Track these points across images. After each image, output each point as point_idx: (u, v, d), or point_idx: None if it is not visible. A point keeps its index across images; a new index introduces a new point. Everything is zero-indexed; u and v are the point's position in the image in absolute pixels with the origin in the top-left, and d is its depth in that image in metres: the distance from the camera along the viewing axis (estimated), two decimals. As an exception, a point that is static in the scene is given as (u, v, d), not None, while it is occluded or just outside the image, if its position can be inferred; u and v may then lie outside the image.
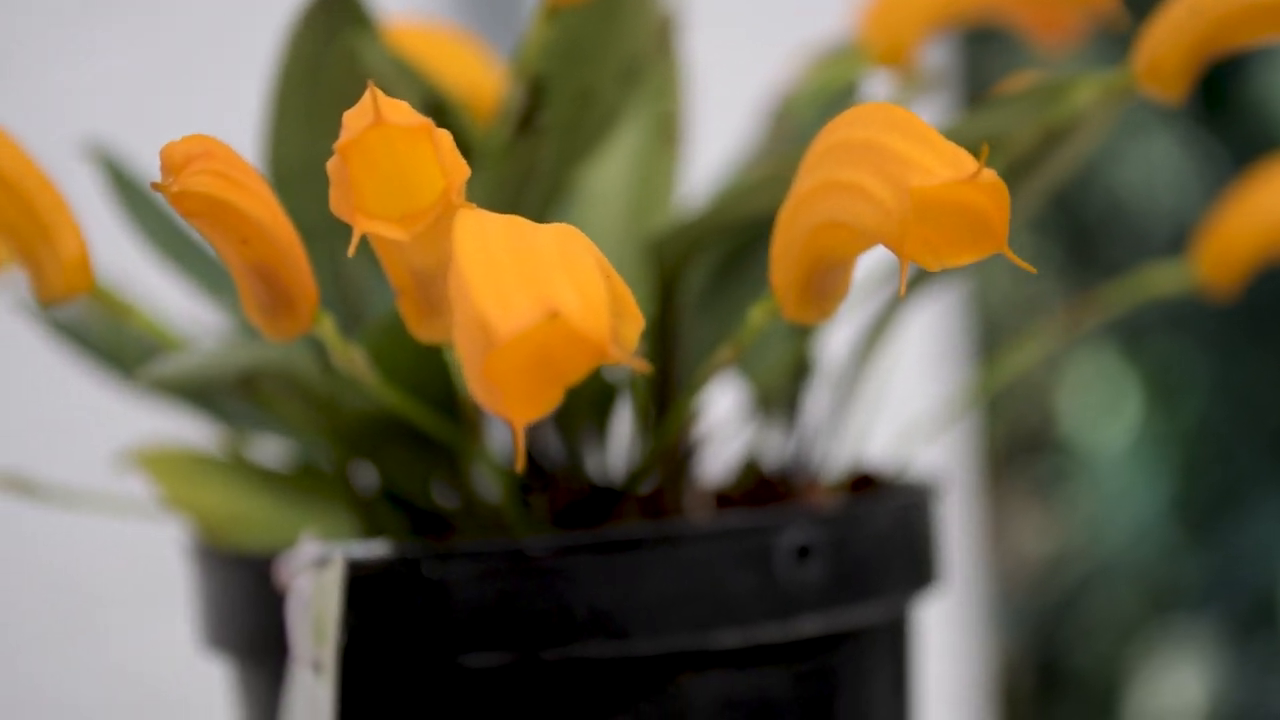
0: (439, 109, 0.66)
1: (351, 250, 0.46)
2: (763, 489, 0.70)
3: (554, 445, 0.70)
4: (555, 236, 0.45)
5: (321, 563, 0.59)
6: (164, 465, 0.68)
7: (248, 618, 0.65)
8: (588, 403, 0.68)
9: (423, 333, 0.53)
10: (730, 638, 0.60)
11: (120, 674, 1.08)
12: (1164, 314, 1.55)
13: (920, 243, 0.48)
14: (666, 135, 0.69)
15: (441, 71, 0.69)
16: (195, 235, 0.71)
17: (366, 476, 0.71)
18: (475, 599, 0.59)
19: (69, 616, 1.06)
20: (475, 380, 0.43)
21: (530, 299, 0.42)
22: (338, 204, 0.47)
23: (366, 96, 0.47)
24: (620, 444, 0.71)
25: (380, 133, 0.46)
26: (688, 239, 0.63)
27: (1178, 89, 0.60)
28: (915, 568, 0.65)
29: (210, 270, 0.70)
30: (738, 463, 0.71)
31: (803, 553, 0.61)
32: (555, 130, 0.63)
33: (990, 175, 0.46)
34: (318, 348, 0.65)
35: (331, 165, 0.47)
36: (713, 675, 0.61)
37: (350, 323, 0.70)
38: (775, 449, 0.72)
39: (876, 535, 0.63)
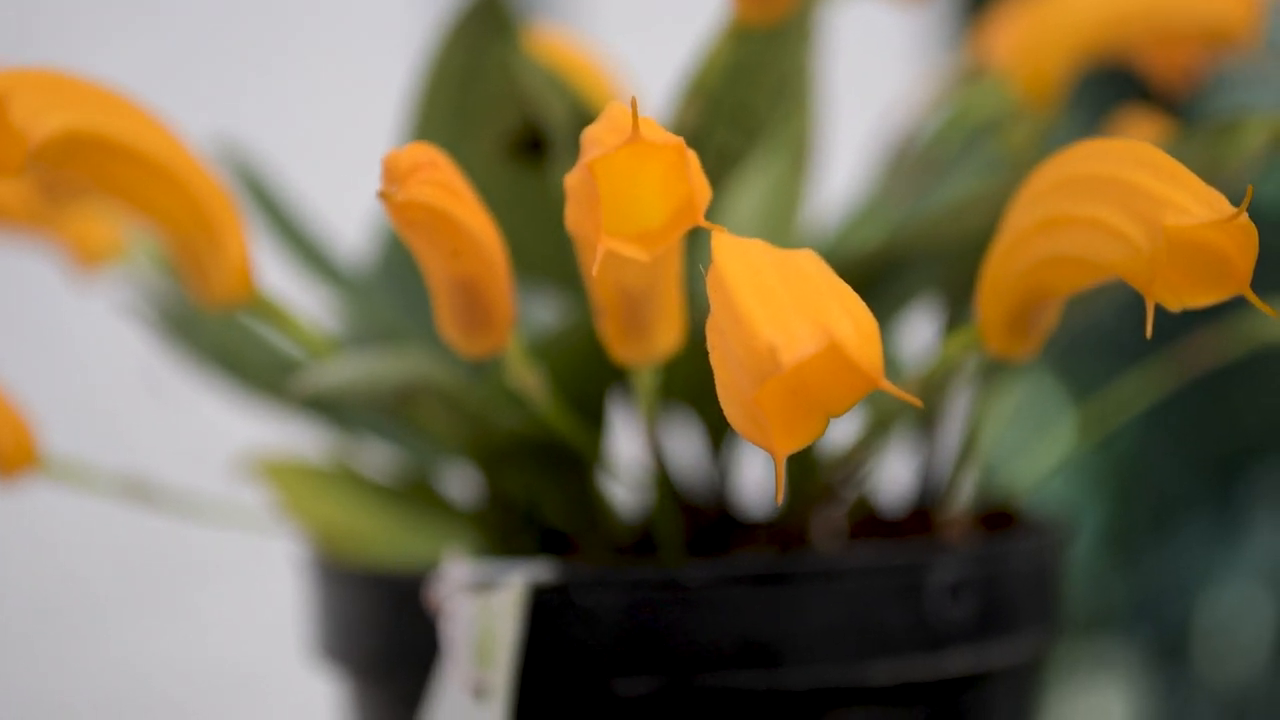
0: (587, 123, 0.65)
1: (595, 270, 0.44)
2: (894, 520, 0.69)
3: (672, 465, 0.69)
4: (815, 261, 0.44)
5: (482, 584, 0.57)
6: (285, 475, 0.67)
7: (369, 633, 0.63)
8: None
9: (624, 353, 0.52)
10: (881, 674, 0.59)
11: (116, 675, 1.07)
12: (1098, 338, 1.55)
13: (1164, 282, 0.47)
14: (800, 158, 0.68)
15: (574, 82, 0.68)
16: (324, 239, 0.70)
17: (480, 492, 0.69)
18: (628, 626, 0.58)
19: (63, 616, 1.04)
20: (741, 409, 0.42)
21: (810, 326, 0.41)
22: (579, 221, 0.46)
23: (617, 111, 0.45)
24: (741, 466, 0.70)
25: (634, 149, 0.45)
26: (859, 268, 0.62)
27: None
28: (1051, 608, 0.64)
29: (339, 274, 0.68)
30: (858, 490, 0.70)
31: (954, 590, 0.60)
32: (715, 149, 0.62)
33: (1244, 218, 0.45)
34: (472, 364, 0.64)
35: (575, 181, 0.46)
36: (860, 711, 0.60)
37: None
38: (897, 477, 0.71)
39: (1021, 574, 0.62)
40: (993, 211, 0.58)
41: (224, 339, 0.69)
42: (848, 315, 0.42)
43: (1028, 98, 0.69)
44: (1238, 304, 0.49)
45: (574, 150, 0.65)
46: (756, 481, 0.73)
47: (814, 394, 0.42)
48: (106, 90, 0.55)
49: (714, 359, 0.44)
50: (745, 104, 0.62)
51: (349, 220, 0.81)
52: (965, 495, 0.70)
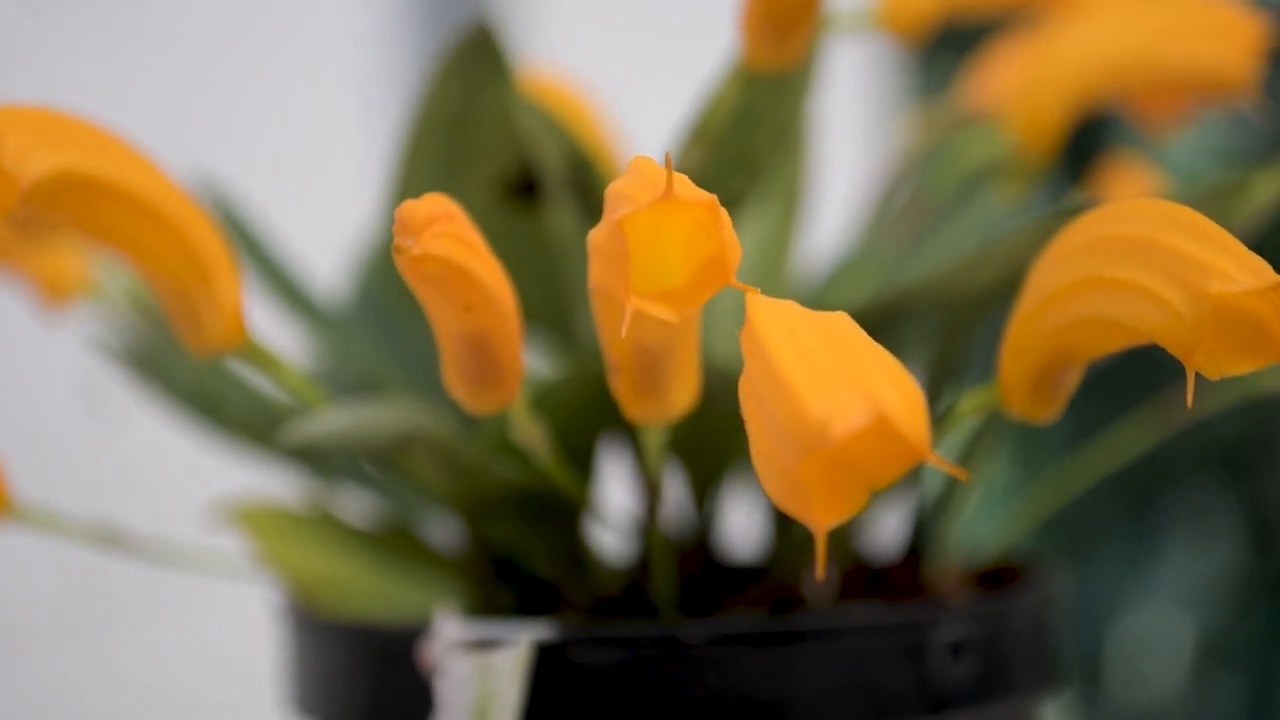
0: (582, 166, 0.63)
1: (624, 331, 0.43)
2: (883, 569, 0.68)
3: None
4: (851, 325, 0.42)
5: (478, 642, 0.55)
6: (261, 522, 0.65)
7: (350, 688, 0.61)
8: (714, 478, 0.66)
9: (637, 412, 0.50)
10: (884, 734, 0.58)
11: (45, 708, 1.04)
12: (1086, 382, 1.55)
13: (1204, 350, 0.46)
14: (794, 203, 0.67)
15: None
16: (301, 276, 0.68)
17: (461, 540, 0.68)
18: (626, 685, 0.56)
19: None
20: (781, 479, 0.41)
21: (858, 398, 0.40)
22: (605, 278, 0.45)
23: (647, 166, 0.44)
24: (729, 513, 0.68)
25: (667, 207, 0.43)
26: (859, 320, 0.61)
27: None
28: (1049, 666, 0.63)
29: (322, 316, 0.67)
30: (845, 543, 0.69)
31: (956, 649, 0.59)
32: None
33: (1287, 286, 0.44)
34: (466, 416, 0.62)
35: (601, 237, 0.44)
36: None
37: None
38: (883, 530, 0.69)
39: (1020, 632, 0.61)
40: (1000, 266, 0.57)
41: (198, 380, 0.68)
42: (894, 386, 0.40)
43: (1024, 143, 0.68)
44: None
45: (568, 194, 0.64)
46: (738, 526, 0.72)
47: (859, 466, 0.41)
48: (98, 129, 0.53)
49: (750, 426, 0.42)
50: (748, 148, 0.61)
51: (315, 253, 0.80)
52: (952, 545, 0.69)
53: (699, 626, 0.57)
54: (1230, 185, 0.59)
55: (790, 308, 0.42)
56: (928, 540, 0.69)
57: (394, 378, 0.68)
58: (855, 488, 0.41)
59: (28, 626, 1.04)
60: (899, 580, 0.68)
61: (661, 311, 0.44)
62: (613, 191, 0.44)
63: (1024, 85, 0.68)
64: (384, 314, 0.70)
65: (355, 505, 0.69)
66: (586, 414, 0.61)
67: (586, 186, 0.64)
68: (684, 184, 0.43)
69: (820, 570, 0.41)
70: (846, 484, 0.41)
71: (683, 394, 0.50)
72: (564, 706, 0.57)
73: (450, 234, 0.46)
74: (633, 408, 0.50)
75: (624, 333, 0.43)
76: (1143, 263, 0.46)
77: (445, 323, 0.49)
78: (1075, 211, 0.54)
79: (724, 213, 0.44)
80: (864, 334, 0.42)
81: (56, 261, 0.71)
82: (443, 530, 0.70)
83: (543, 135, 0.62)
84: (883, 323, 0.63)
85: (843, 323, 0.42)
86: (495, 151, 0.62)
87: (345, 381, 0.70)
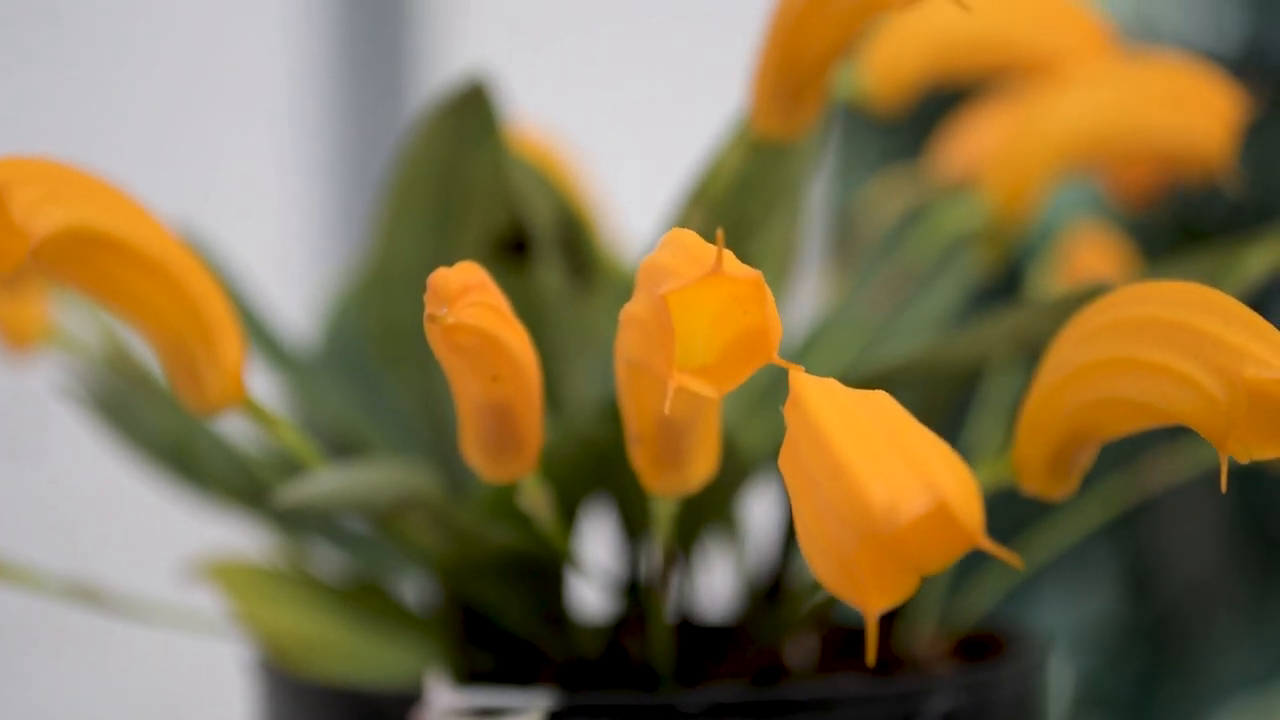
0: (572, 224, 0.63)
1: (668, 409, 0.43)
2: (862, 641, 0.67)
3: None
4: (895, 405, 0.42)
5: (475, 711, 0.55)
6: (236, 579, 0.64)
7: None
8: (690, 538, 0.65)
9: (656, 483, 0.50)
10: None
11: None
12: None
13: (1236, 435, 0.46)
14: (786, 267, 0.67)
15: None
16: (277, 325, 0.67)
17: (437, 598, 0.67)
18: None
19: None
20: (834, 562, 0.40)
21: (920, 484, 0.39)
22: (643, 352, 0.44)
23: (689, 240, 0.43)
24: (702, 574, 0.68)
25: (714, 283, 0.43)
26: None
27: None
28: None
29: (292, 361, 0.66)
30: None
31: (947, 718, 0.59)
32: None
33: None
34: (452, 474, 0.62)
35: (643, 311, 0.44)
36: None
37: (434, 434, 0.66)
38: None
39: (1006, 701, 0.61)
40: (998, 342, 0.57)
41: (169, 431, 0.66)
42: (951, 471, 0.40)
43: (1004, 212, 0.68)
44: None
45: (556, 253, 0.63)
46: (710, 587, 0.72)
47: (914, 552, 0.41)
48: (104, 182, 0.52)
49: (798, 504, 0.42)
50: (745, 213, 0.61)
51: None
52: (927, 611, 0.69)
53: (696, 696, 0.56)
54: (1223, 254, 0.60)
55: (837, 385, 0.42)
56: (903, 606, 0.68)
57: (367, 430, 0.67)
58: (908, 572, 0.41)
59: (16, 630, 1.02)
60: (879, 644, 0.67)
61: (703, 388, 0.43)
62: (654, 265, 0.44)
63: (1003, 153, 0.68)
64: (357, 365, 0.69)
65: (324, 560, 0.69)
66: (578, 477, 0.61)
67: (575, 245, 0.64)
68: (731, 260, 0.43)
69: (871, 656, 0.41)
70: (900, 568, 0.41)
71: (702, 467, 0.50)
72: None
73: (484, 303, 0.46)
74: (652, 479, 0.50)
75: (667, 409, 0.43)
76: (1175, 345, 0.46)
77: (470, 391, 0.48)
78: (1081, 295, 0.54)
79: (768, 289, 0.43)
80: (908, 414, 0.42)
81: (20, 308, 0.70)
82: (414, 587, 0.69)
83: (534, 193, 0.62)
84: (874, 388, 0.63)
85: (888, 402, 0.42)
86: (487, 208, 0.62)
87: (316, 432, 0.69)
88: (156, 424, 0.66)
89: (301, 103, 1.10)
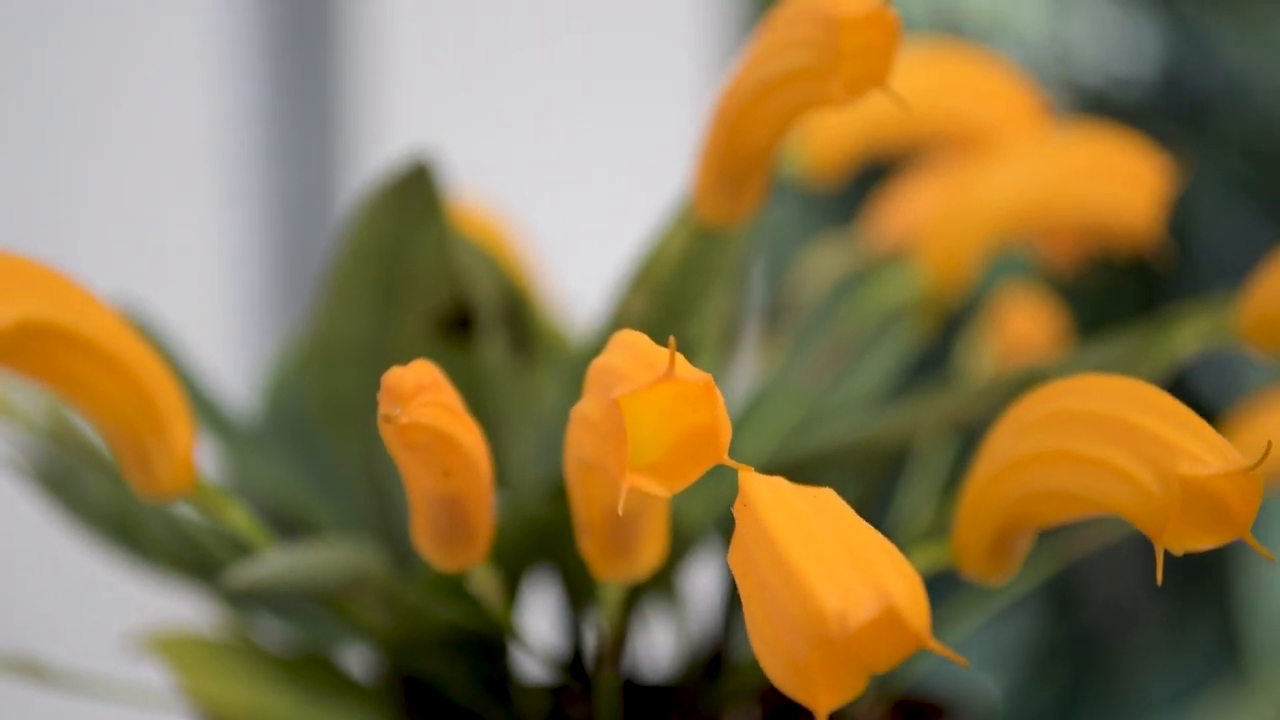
0: (515, 301, 0.64)
1: (620, 509, 0.43)
2: (801, 708, 0.68)
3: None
4: (843, 504, 0.43)
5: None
6: (181, 652, 0.64)
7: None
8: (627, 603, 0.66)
9: (605, 572, 0.51)
10: None
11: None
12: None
13: (1171, 528, 0.47)
14: (727, 343, 0.68)
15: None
16: (219, 395, 0.67)
17: (381, 670, 0.68)
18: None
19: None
20: (785, 665, 0.41)
21: (869, 588, 0.40)
22: (595, 452, 0.45)
23: (640, 342, 0.44)
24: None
25: (667, 388, 0.44)
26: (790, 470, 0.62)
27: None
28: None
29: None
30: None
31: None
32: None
33: (1255, 471, 0.46)
34: (396, 551, 0.62)
35: (595, 412, 0.45)
36: None
37: (378, 505, 0.67)
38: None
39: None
40: (936, 423, 0.58)
41: (113, 504, 0.67)
42: (898, 572, 0.41)
43: (940, 282, 0.69)
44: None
45: (500, 329, 0.64)
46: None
47: (864, 654, 0.42)
48: (52, 271, 0.52)
49: (750, 604, 0.43)
50: (686, 294, 0.62)
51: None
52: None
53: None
54: (1152, 332, 0.61)
55: (785, 485, 0.43)
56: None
57: (310, 502, 0.68)
58: (857, 673, 0.42)
59: None
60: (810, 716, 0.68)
61: (655, 488, 0.44)
62: (605, 368, 0.45)
63: (937, 224, 0.70)
64: (299, 437, 0.70)
65: (269, 631, 0.69)
66: (523, 552, 0.61)
67: (517, 319, 0.65)
68: (683, 364, 0.44)
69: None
70: (849, 669, 0.42)
71: (650, 555, 0.51)
72: None
73: (438, 403, 0.46)
74: (601, 568, 0.51)
75: (620, 509, 0.43)
76: (1113, 441, 0.47)
77: (421, 485, 0.49)
78: (1015, 380, 0.56)
79: (718, 391, 0.44)
80: (853, 512, 0.43)
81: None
82: (359, 658, 0.70)
83: (477, 270, 0.63)
84: (811, 468, 0.64)
85: (834, 500, 0.43)
86: (431, 286, 0.62)
87: (258, 504, 0.70)
88: (101, 497, 0.67)
89: (233, 168, 1.10)
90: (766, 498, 0.43)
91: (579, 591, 0.65)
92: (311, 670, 0.66)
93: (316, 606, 0.67)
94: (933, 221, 0.70)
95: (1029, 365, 0.56)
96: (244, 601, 0.67)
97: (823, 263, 0.74)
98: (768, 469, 0.62)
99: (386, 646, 0.63)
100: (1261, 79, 1.47)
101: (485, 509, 0.50)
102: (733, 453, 0.67)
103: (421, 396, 0.46)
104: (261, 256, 1.11)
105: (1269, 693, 1.69)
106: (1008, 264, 0.87)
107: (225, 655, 0.65)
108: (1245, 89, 1.47)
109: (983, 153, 0.72)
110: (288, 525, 0.67)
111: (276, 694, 0.64)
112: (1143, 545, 1.63)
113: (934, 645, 0.41)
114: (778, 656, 0.42)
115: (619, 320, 0.61)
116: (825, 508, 0.43)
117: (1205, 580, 1.79)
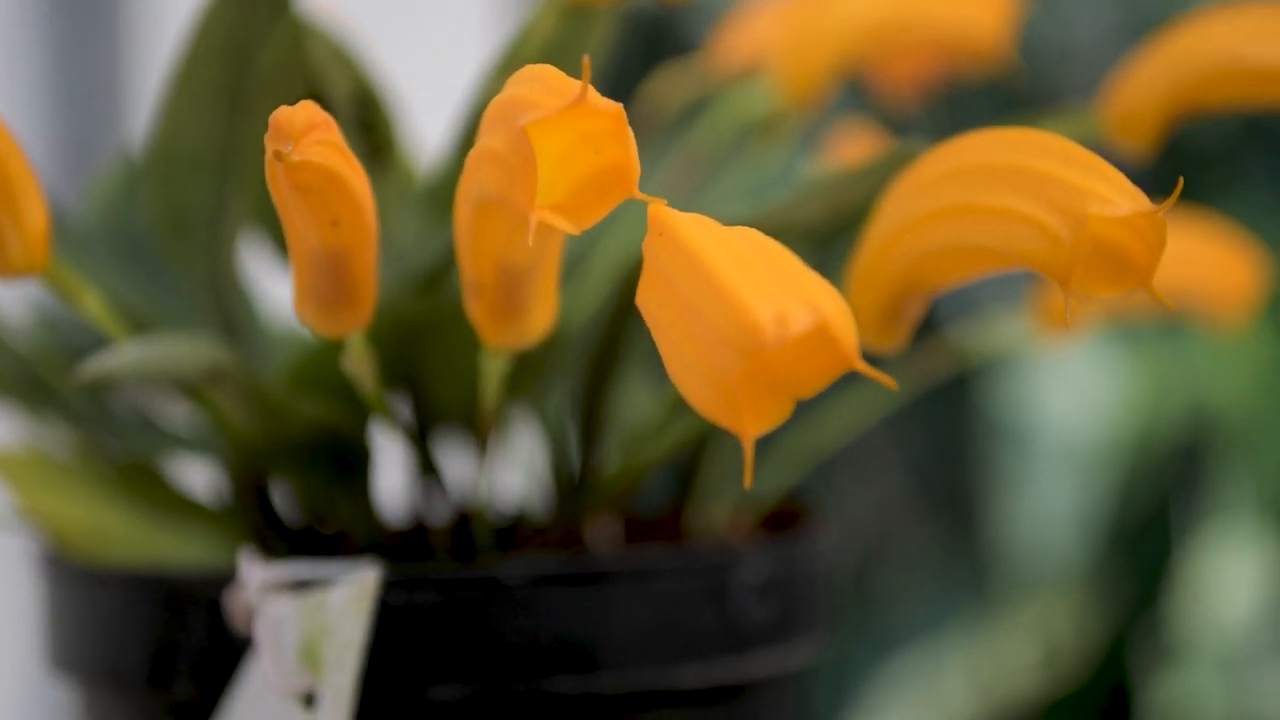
0: (369, 101, 0.62)
1: (530, 240, 0.42)
2: (654, 521, 0.67)
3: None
4: (771, 240, 0.42)
5: (297, 584, 0.53)
6: (20, 470, 0.61)
7: (130, 639, 0.58)
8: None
9: (494, 336, 0.49)
10: (691, 676, 0.58)
11: None
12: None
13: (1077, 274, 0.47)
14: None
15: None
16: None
17: (222, 488, 0.65)
18: (443, 626, 0.55)
19: None
20: (711, 386, 0.40)
21: (802, 303, 0.39)
22: (505, 187, 0.43)
23: (549, 74, 0.43)
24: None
25: (577, 113, 0.42)
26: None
27: (1148, 141, 0.61)
28: (827, 611, 0.64)
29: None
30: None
31: (761, 590, 0.59)
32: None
33: (1161, 214, 0.46)
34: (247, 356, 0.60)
35: (501, 144, 0.43)
36: (669, 714, 0.58)
37: (223, 319, 0.65)
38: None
39: (812, 573, 0.62)
40: (821, 205, 0.57)
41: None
42: (829, 295, 0.40)
43: (793, 99, 0.68)
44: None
45: (352, 131, 0.62)
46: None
47: (792, 374, 0.41)
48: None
49: (669, 335, 0.41)
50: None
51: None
52: (727, 492, 0.69)
53: (517, 567, 0.56)
54: (1063, 119, 0.61)
55: (706, 219, 0.42)
56: (693, 489, 0.69)
57: (151, 313, 0.65)
58: (784, 396, 0.41)
59: None
60: (671, 529, 0.67)
61: (564, 223, 0.43)
62: (511, 100, 0.43)
63: (789, 42, 0.69)
64: (136, 249, 0.67)
65: (96, 451, 0.66)
66: (384, 355, 0.59)
67: (372, 124, 0.62)
68: (594, 94, 0.42)
69: (749, 479, 0.40)
70: (777, 392, 0.41)
71: (541, 317, 0.49)
72: (380, 650, 0.55)
73: (330, 142, 0.44)
74: (489, 331, 0.49)
75: (530, 242, 0.42)
76: (1017, 189, 0.47)
77: (306, 238, 0.47)
78: (891, 158, 0.55)
79: (628, 124, 0.43)
80: (779, 244, 0.42)
81: None
82: (195, 475, 0.67)
83: (332, 68, 0.60)
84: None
85: (757, 234, 0.42)
86: (285, 86, 0.60)
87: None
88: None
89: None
90: (689, 223, 0.41)
91: (433, 410, 0.63)
92: (151, 487, 0.63)
93: (141, 419, 0.65)
94: (783, 38, 0.69)
95: (905, 144, 0.55)
96: (75, 417, 0.64)
97: (669, 84, 0.73)
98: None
99: (239, 454, 0.61)
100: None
101: (370, 266, 0.48)
102: (595, 262, 0.65)
103: (313, 135, 0.44)
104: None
105: (1018, 619, 1.73)
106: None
107: (64, 473, 0.62)
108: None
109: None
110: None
111: (116, 511, 0.62)
112: (912, 472, 1.65)
113: (861, 366, 0.40)
114: (703, 379, 0.40)
115: (487, 104, 0.59)
116: (749, 237, 0.42)
117: (961, 509, 1.82)
